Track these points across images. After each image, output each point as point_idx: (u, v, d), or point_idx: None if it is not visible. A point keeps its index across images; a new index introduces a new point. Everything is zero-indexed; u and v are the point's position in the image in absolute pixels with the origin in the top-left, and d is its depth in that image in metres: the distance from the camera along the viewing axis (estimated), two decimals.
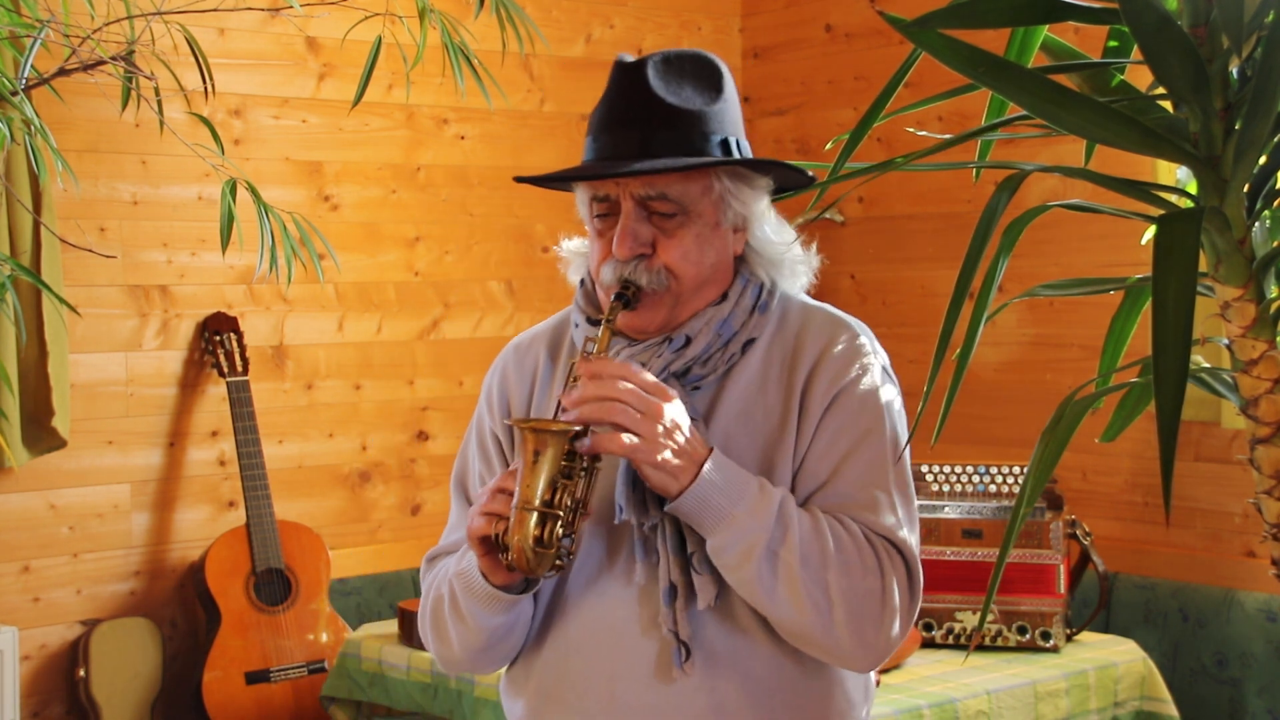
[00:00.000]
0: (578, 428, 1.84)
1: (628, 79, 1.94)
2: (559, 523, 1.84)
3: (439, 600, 2.04)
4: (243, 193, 3.07)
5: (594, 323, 2.00)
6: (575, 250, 2.10)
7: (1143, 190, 1.78)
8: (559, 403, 1.91)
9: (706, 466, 1.87)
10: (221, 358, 4.15)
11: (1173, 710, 3.59)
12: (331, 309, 4.45)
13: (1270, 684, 3.77)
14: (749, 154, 1.99)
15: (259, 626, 4.05)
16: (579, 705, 1.96)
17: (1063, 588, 3.62)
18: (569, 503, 1.85)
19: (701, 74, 1.96)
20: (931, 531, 3.72)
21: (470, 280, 4.68)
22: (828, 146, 2.25)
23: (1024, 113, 1.72)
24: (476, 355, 4.64)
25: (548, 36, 4.47)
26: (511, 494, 1.86)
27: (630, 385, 1.85)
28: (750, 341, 2.00)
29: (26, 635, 3.96)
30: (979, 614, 3.62)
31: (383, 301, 4.52)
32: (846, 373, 1.98)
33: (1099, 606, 3.71)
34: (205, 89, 3.11)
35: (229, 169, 3.15)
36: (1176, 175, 2.14)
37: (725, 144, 1.96)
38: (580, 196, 2.02)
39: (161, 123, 3.19)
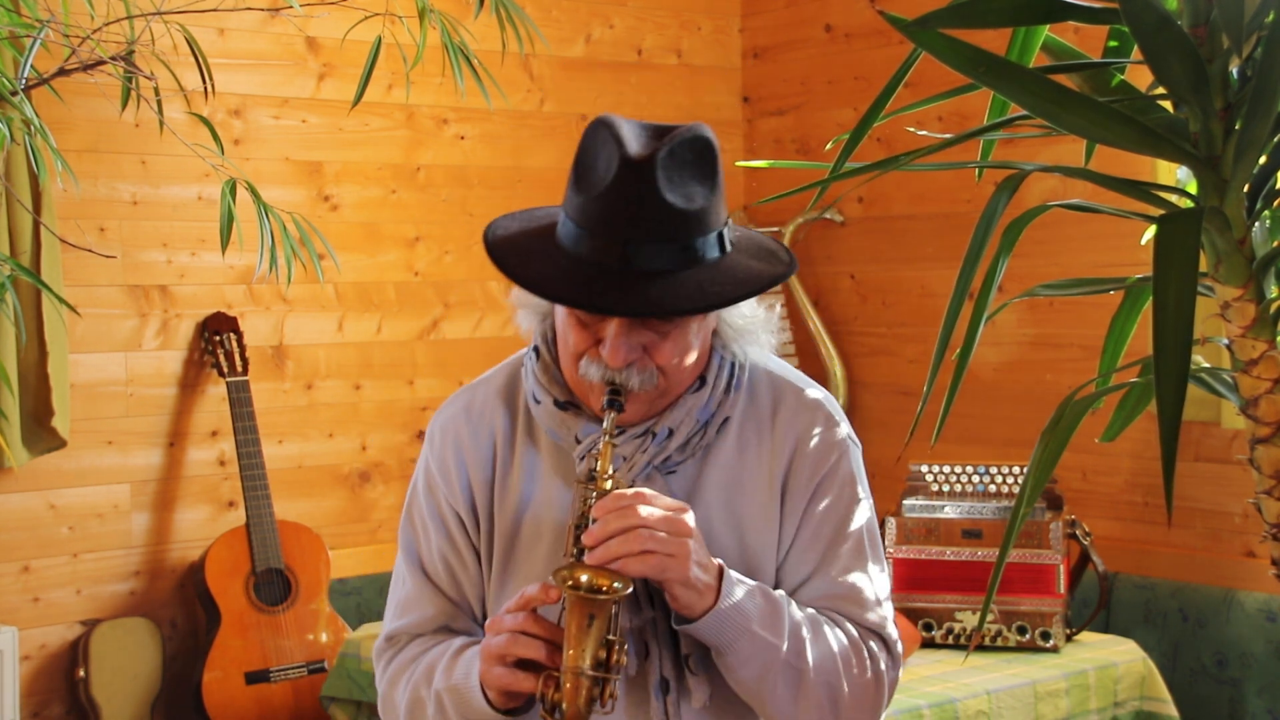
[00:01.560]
0: (629, 591, 1.80)
1: (634, 177, 1.77)
2: (612, 681, 1.81)
3: (418, 703, 1.96)
4: (243, 193, 3.07)
5: (561, 406, 1.94)
6: (536, 300, 1.98)
7: (1143, 190, 1.78)
8: (577, 537, 1.84)
9: (726, 580, 1.86)
10: (221, 358, 4.15)
11: (1173, 710, 3.59)
12: (331, 309, 4.45)
13: (1270, 684, 3.77)
14: (730, 230, 1.88)
15: (259, 626, 4.05)
16: None
17: (1063, 588, 3.62)
18: (619, 656, 1.81)
19: (701, 160, 1.82)
20: (931, 531, 3.72)
21: (470, 280, 4.68)
22: (828, 146, 2.25)
23: (1024, 113, 1.72)
24: (476, 355, 4.64)
25: (548, 36, 4.47)
26: (537, 637, 1.81)
27: (653, 510, 1.81)
28: (724, 420, 1.96)
29: (26, 635, 3.96)
30: (979, 614, 3.62)
31: (383, 301, 4.52)
32: (826, 460, 1.96)
33: (1099, 606, 3.70)
34: (205, 89, 3.11)
35: (229, 169, 3.15)
36: (1176, 175, 2.14)
37: (720, 237, 1.85)
38: None
39: (161, 123, 3.19)
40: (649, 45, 5.04)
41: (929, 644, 3.65)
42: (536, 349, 1.98)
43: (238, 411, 4.10)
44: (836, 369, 4.85)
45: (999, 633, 3.62)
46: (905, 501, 3.77)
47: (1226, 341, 1.77)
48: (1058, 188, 4.20)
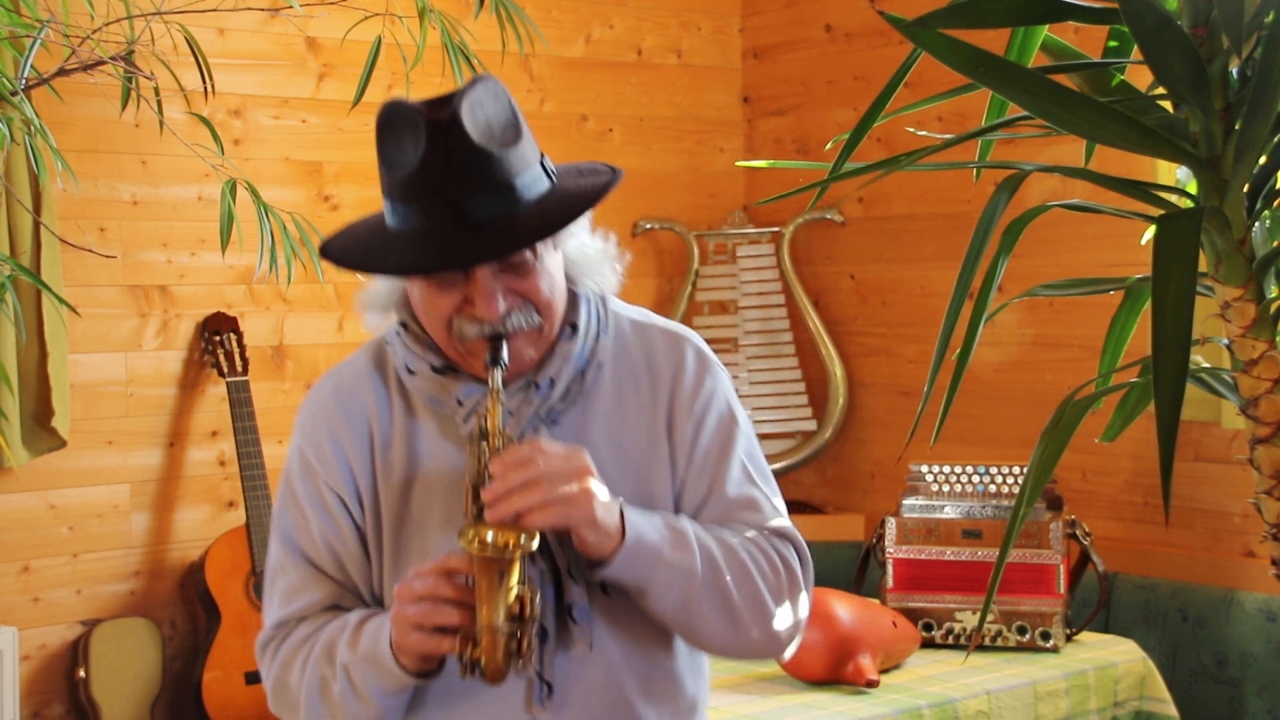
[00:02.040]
0: (535, 544, 1.81)
1: (445, 135, 1.80)
2: (528, 632, 1.82)
3: (322, 683, 1.95)
4: (242, 193, 3.07)
5: (439, 370, 1.95)
6: (379, 294, 2.00)
7: (1143, 190, 1.78)
8: (476, 495, 1.85)
9: (628, 516, 1.89)
10: (221, 358, 4.15)
11: (1172, 710, 3.60)
12: (331, 309, 4.45)
13: (1270, 684, 3.77)
14: (548, 162, 1.91)
15: (259, 626, 4.04)
16: None
17: (1062, 588, 3.62)
18: (531, 608, 1.82)
19: (495, 100, 1.85)
20: (931, 531, 3.72)
21: None
22: (828, 146, 2.25)
23: (1024, 113, 1.72)
24: None
25: (548, 36, 4.46)
26: (446, 601, 1.82)
27: (551, 460, 1.83)
28: (599, 366, 2.00)
29: (26, 635, 3.96)
30: (979, 614, 3.62)
31: None
32: (702, 389, 2.02)
33: (1099, 606, 3.71)
34: (205, 89, 3.11)
35: (229, 169, 3.15)
36: (1176, 175, 2.14)
37: (543, 170, 1.88)
38: None
39: (161, 123, 3.19)
40: (649, 45, 5.04)
41: (929, 644, 3.65)
42: (403, 324, 1.99)
43: (238, 411, 4.10)
44: (836, 369, 4.85)
45: (999, 633, 3.62)
46: (905, 501, 3.77)
47: (1226, 341, 1.77)
48: (1058, 188, 4.20)
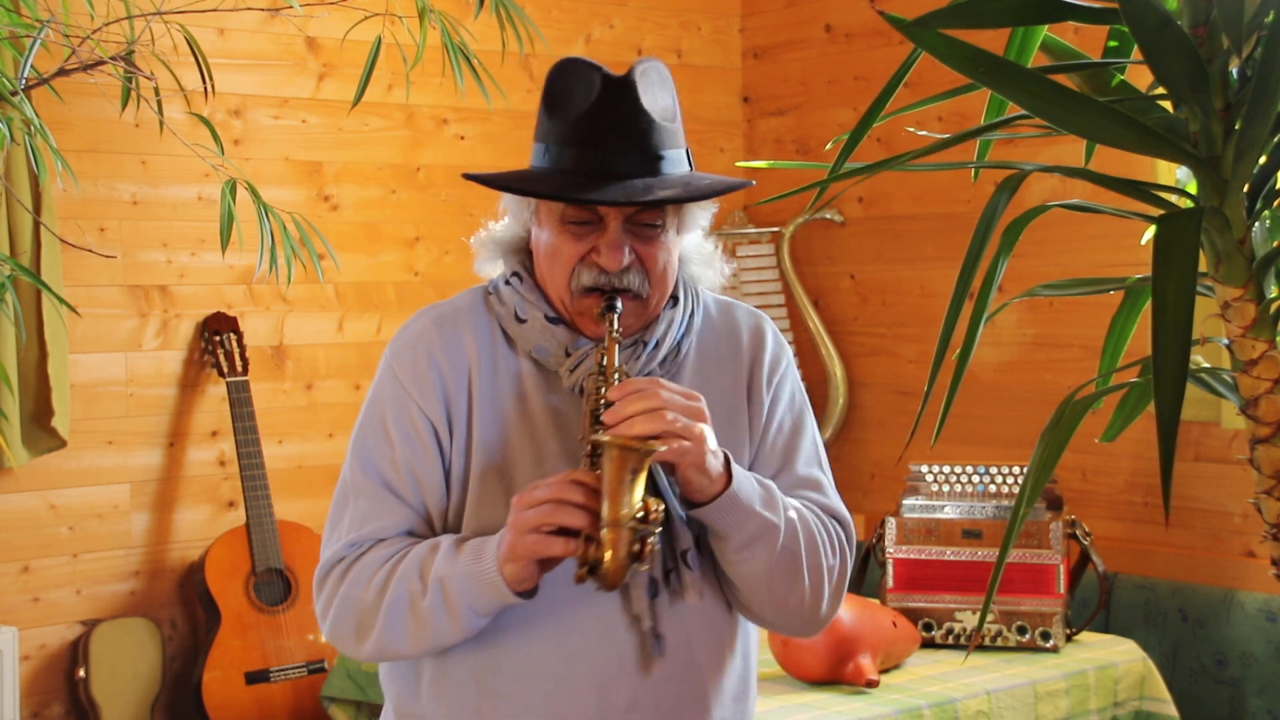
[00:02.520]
0: (662, 446, 1.85)
1: (617, 93, 1.94)
2: (651, 536, 1.84)
3: (409, 598, 1.94)
4: (242, 193, 3.07)
5: (551, 320, 2.02)
6: (503, 236, 2.09)
7: (1143, 190, 1.78)
8: (594, 420, 1.91)
9: (732, 466, 1.95)
10: (221, 358, 4.15)
11: (1172, 710, 3.60)
12: (331, 309, 4.45)
13: (1270, 684, 3.77)
14: (690, 156, 2.06)
15: (259, 626, 4.05)
16: (560, 703, 1.97)
17: (1062, 588, 3.62)
18: (656, 513, 1.85)
19: (663, 82, 2.00)
20: (931, 531, 3.72)
21: (470, 280, 4.67)
22: (828, 146, 2.25)
23: (1024, 113, 1.72)
24: None
25: (548, 36, 4.46)
26: (574, 505, 1.84)
27: (673, 394, 1.89)
28: (692, 340, 2.10)
29: (26, 635, 3.96)
30: (979, 614, 3.62)
31: (382, 302, 4.53)
32: (779, 365, 2.13)
33: (1099, 606, 3.71)
34: (205, 89, 3.11)
35: (229, 169, 3.15)
36: (1176, 175, 2.14)
37: (687, 154, 2.02)
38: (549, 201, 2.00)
39: (161, 123, 3.19)
40: (649, 45, 5.04)
41: (929, 644, 3.65)
42: (516, 274, 2.06)
43: (238, 411, 4.10)
44: (836, 369, 4.85)
45: (999, 633, 3.62)
46: (905, 501, 3.77)
47: (1226, 341, 1.77)
48: (1058, 188, 4.20)
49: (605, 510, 1.83)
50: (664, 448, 1.85)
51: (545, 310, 2.03)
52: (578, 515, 1.84)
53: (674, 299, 2.06)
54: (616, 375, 1.93)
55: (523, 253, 2.08)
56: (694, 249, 2.09)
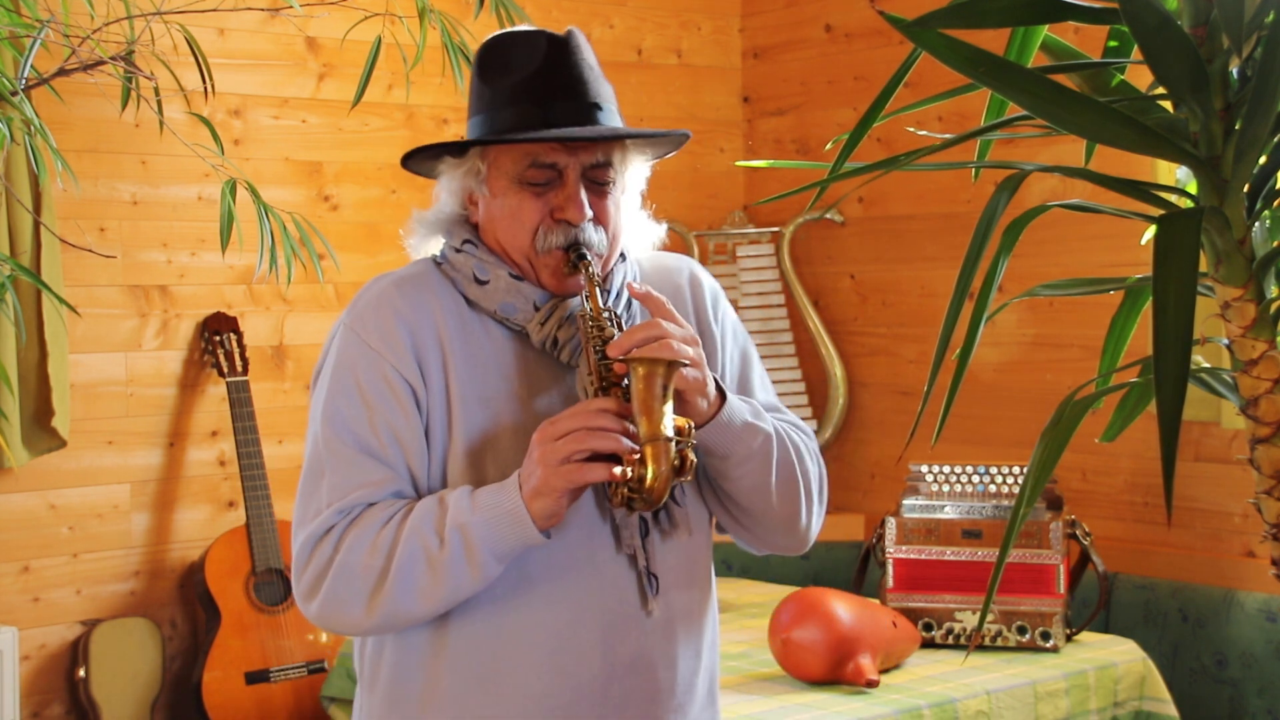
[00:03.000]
0: (685, 360, 1.90)
1: (561, 52, 2.02)
2: (689, 449, 1.88)
3: (423, 552, 1.90)
4: (242, 193, 3.07)
5: (516, 278, 2.03)
6: (441, 213, 2.10)
7: (1143, 190, 1.78)
8: (600, 356, 1.94)
9: (724, 386, 2.02)
10: (221, 358, 4.15)
11: (1172, 710, 3.60)
12: (331, 309, 4.45)
13: (1270, 684, 3.77)
14: None
15: (259, 626, 4.05)
16: (564, 650, 1.99)
17: (1062, 588, 3.62)
18: (689, 427, 1.90)
19: (590, 49, 2.08)
20: (931, 531, 3.72)
21: None
22: (828, 146, 2.25)
23: (1024, 113, 1.72)
24: None
25: None
26: (605, 429, 1.86)
27: (670, 327, 1.94)
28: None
29: (26, 635, 3.96)
30: (979, 614, 3.62)
31: None
32: (720, 297, 2.20)
33: (1099, 606, 3.71)
34: (205, 89, 3.11)
35: (229, 169, 3.15)
36: (1176, 175, 2.14)
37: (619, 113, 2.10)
38: (509, 160, 2.02)
39: (161, 123, 3.19)
40: (649, 45, 5.04)
41: (929, 644, 3.65)
42: (468, 241, 2.06)
43: (238, 411, 4.10)
44: (836, 369, 4.85)
45: (999, 633, 3.62)
46: (905, 501, 3.77)
47: (1226, 341, 1.77)
48: (1058, 188, 4.20)
49: (642, 428, 1.85)
50: (687, 361, 1.90)
51: (508, 269, 2.04)
52: (610, 438, 1.86)
53: (621, 255, 2.12)
54: (606, 314, 1.96)
55: (463, 227, 2.08)
56: (632, 213, 2.13)
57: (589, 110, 2.01)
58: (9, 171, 3.75)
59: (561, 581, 1.98)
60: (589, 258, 1.99)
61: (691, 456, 1.88)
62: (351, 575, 1.93)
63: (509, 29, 2.09)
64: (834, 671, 3.32)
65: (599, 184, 2.02)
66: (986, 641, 3.62)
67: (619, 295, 2.07)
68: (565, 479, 1.86)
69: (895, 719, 3.17)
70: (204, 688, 3.97)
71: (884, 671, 3.42)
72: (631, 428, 1.87)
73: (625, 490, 1.85)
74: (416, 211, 2.12)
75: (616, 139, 2.02)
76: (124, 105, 3.09)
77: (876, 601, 3.63)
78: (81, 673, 3.99)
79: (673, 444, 1.85)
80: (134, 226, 4.14)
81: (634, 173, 2.10)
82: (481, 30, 3.50)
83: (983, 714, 3.30)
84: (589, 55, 2.06)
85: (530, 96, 2.00)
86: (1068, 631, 3.65)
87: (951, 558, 3.70)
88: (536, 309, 2.03)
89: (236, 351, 4.17)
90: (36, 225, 3.79)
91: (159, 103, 3.16)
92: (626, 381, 1.91)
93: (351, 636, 2.11)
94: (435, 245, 2.11)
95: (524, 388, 2.02)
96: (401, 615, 1.95)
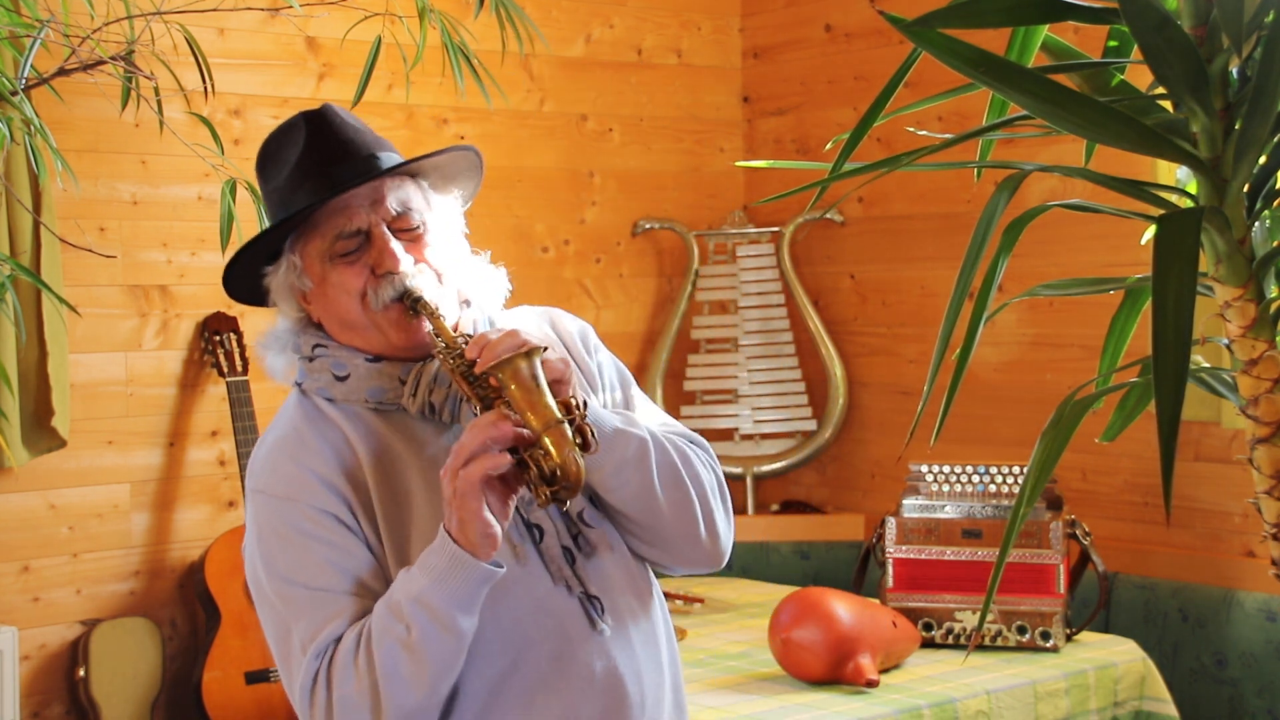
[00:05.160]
0: (542, 345, 1.91)
1: (320, 123, 2.07)
2: (581, 420, 1.88)
3: (399, 645, 1.89)
4: (243, 193, 3.07)
5: (372, 360, 2.05)
6: (283, 330, 2.12)
7: (1143, 190, 1.78)
8: (469, 380, 1.94)
9: (584, 395, 2.02)
10: (221, 357, 4.15)
11: (1172, 710, 3.60)
12: None
13: (1270, 684, 3.77)
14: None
15: (259, 627, 4.05)
16: (552, 682, 2.01)
17: (1062, 588, 3.62)
18: (574, 398, 1.90)
19: (350, 113, 2.13)
20: (931, 531, 3.72)
21: None
22: (828, 146, 2.25)
23: (1024, 113, 1.72)
24: None
25: (548, 36, 4.46)
26: (499, 423, 1.87)
27: (524, 333, 1.96)
28: None
29: (26, 635, 3.96)
30: (979, 614, 3.62)
31: None
32: (589, 334, 2.23)
33: (1099, 606, 3.71)
34: (205, 89, 3.11)
35: (229, 169, 3.15)
36: (1176, 175, 2.14)
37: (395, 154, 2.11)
38: (317, 243, 2.04)
39: (161, 123, 3.19)
40: (649, 45, 5.04)
41: (929, 644, 3.65)
42: (318, 344, 2.09)
43: (238, 411, 4.10)
44: (836, 369, 4.85)
45: (999, 633, 3.62)
46: (905, 501, 3.77)
47: (1226, 341, 1.77)
48: (1058, 188, 4.20)
49: (532, 422, 1.86)
50: (544, 346, 1.90)
51: (363, 356, 2.06)
52: (495, 428, 1.86)
53: (466, 303, 2.12)
54: (461, 339, 1.97)
55: (309, 331, 2.11)
56: (458, 255, 2.14)
57: (367, 163, 2.04)
58: (9, 171, 3.75)
59: (515, 628, 2.00)
60: (424, 298, 2.01)
61: (589, 428, 1.88)
62: (351, 705, 1.95)
63: (271, 131, 2.12)
64: (834, 671, 3.32)
65: (407, 231, 2.05)
66: (986, 641, 3.62)
67: (474, 334, 2.06)
68: (468, 481, 1.86)
69: (895, 719, 3.17)
70: (204, 688, 3.97)
71: (884, 671, 3.42)
72: (524, 431, 1.87)
73: (545, 489, 1.84)
74: (262, 336, 2.14)
75: (391, 172, 2.05)
76: (124, 105, 3.09)
77: (876, 601, 3.63)
78: (81, 673, 3.99)
79: (566, 424, 1.86)
80: (134, 226, 4.14)
81: (442, 215, 2.12)
82: (481, 30, 3.51)
83: (983, 714, 3.30)
84: (350, 118, 2.10)
85: (310, 173, 2.04)
86: (1068, 631, 3.65)
87: (951, 558, 3.70)
88: (402, 383, 2.05)
89: (236, 351, 4.17)
90: (36, 225, 3.79)
91: (159, 103, 3.16)
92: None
93: None
94: (290, 359, 2.12)
95: (421, 456, 2.04)
96: (411, 711, 1.94)
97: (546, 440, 1.85)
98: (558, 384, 1.93)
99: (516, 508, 1.97)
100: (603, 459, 2.00)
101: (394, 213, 2.04)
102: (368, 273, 2.02)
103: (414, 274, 2.02)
